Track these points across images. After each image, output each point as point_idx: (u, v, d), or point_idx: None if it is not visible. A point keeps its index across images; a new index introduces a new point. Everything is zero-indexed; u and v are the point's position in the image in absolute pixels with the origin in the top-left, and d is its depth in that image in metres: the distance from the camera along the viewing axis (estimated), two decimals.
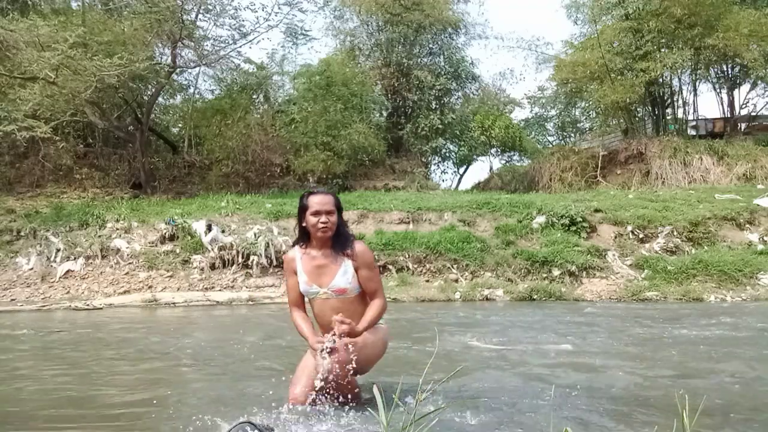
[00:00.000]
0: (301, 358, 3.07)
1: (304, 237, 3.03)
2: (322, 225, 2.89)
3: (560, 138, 26.53)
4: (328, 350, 2.63)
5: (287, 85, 18.77)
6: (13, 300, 8.81)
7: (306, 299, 3.07)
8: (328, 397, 2.67)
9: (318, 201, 2.93)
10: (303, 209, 2.96)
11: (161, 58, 15.35)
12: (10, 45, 11.12)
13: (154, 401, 3.15)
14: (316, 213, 2.90)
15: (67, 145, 13.94)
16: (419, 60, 20.20)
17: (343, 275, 2.92)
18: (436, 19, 19.27)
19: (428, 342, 5.07)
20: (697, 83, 19.03)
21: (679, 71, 17.55)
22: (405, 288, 9.23)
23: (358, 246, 2.99)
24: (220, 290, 9.17)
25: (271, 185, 15.84)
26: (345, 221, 3.07)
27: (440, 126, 19.04)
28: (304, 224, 2.98)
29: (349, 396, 2.67)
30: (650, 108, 18.95)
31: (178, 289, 9.18)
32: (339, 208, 2.99)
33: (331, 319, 2.80)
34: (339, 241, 2.96)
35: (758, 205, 11.41)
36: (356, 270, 2.94)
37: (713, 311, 7.27)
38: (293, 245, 3.11)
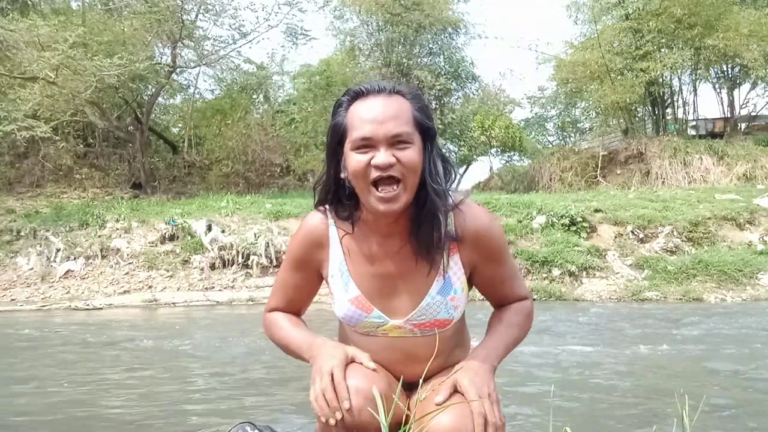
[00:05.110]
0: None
1: (342, 199, 1.34)
2: (381, 181, 1.22)
3: (560, 138, 26.58)
4: None
5: (287, 85, 18.83)
6: (13, 300, 8.80)
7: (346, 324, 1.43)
8: None
9: (372, 114, 1.23)
10: (336, 132, 1.29)
11: (161, 58, 15.37)
12: (10, 45, 11.11)
13: (155, 402, 3.15)
14: (364, 145, 1.23)
15: (67, 145, 13.95)
16: (419, 60, 20.20)
17: (443, 292, 1.36)
18: (436, 19, 19.28)
19: None
20: (697, 83, 19.04)
21: (679, 71, 17.55)
22: None
23: (472, 214, 1.34)
24: (220, 290, 9.17)
25: (271, 185, 15.84)
26: (442, 154, 1.33)
27: (440, 126, 19.04)
28: (343, 174, 1.30)
29: None
30: (650, 108, 18.96)
31: (178, 289, 9.17)
32: (425, 128, 1.27)
33: (401, 369, 1.36)
34: (425, 216, 1.28)
35: (758, 205, 11.40)
36: (470, 267, 1.41)
37: (713, 311, 7.27)
38: (317, 205, 1.40)
